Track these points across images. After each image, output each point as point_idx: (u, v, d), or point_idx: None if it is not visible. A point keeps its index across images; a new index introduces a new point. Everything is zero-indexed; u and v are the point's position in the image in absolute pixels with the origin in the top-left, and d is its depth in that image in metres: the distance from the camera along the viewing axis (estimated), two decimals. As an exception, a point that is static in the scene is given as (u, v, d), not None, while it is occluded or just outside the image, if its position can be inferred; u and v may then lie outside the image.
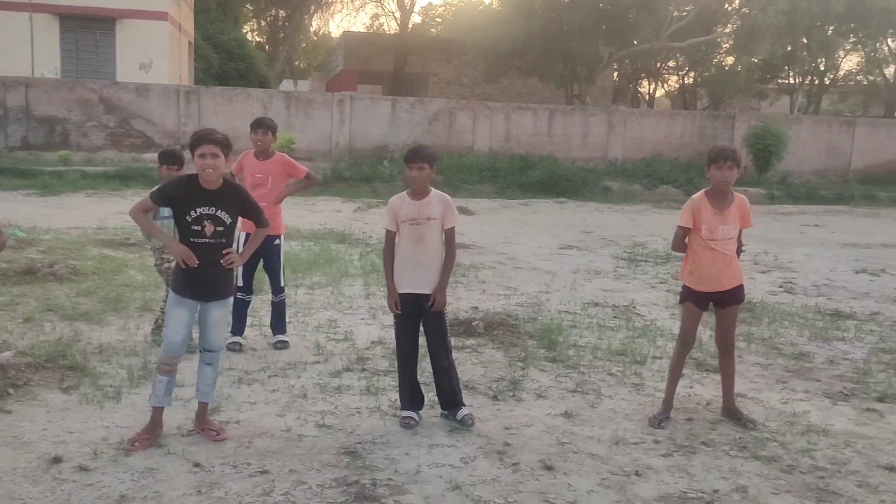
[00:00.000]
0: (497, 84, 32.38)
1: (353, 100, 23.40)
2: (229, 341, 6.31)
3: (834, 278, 10.31)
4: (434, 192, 5.00)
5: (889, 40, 34.77)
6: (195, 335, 5.05)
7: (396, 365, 5.06)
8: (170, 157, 6.35)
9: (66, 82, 22.20)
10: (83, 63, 24.78)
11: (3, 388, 5.08)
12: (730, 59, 34.40)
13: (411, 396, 4.98)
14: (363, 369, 5.88)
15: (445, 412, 5.01)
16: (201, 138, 4.34)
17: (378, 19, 40.78)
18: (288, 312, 7.36)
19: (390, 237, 4.97)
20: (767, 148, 23.01)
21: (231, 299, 4.74)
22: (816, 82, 35.72)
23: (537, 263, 10.42)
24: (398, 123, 23.03)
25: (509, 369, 5.99)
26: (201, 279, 4.46)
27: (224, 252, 4.48)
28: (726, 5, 27.53)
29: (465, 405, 5.01)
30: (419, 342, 5.01)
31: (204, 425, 4.63)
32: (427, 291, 4.90)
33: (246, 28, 52.18)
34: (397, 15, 32.70)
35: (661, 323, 7.58)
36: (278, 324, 6.54)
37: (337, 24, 40.51)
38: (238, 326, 6.43)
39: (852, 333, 7.49)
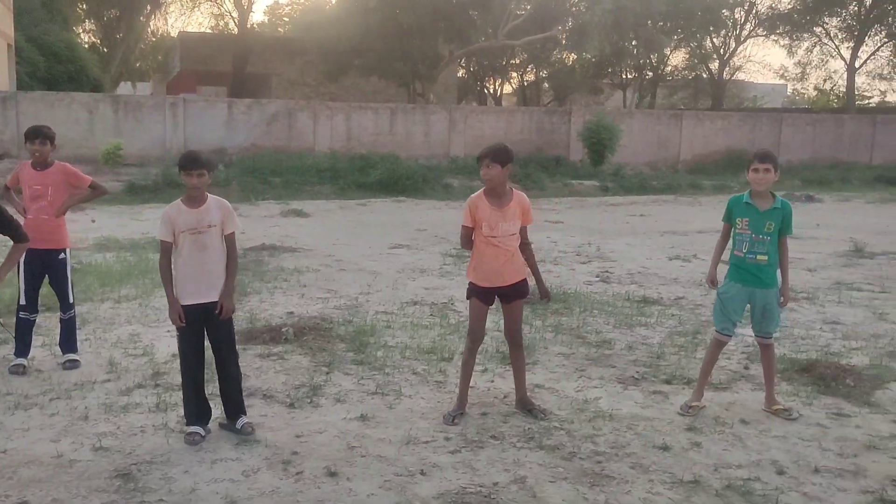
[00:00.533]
0: (341, 84, 32.20)
1: (187, 102, 22.65)
2: (12, 364, 5.93)
3: (649, 266, 10.80)
4: (211, 197, 4.83)
5: (713, 37, 37.04)
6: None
7: (181, 379, 4.87)
8: None
9: None
10: None
11: None
12: (572, 56, 35.68)
13: (198, 410, 4.81)
14: (157, 385, 5.63)
15: (225, 423, 4.86)
16: None
17: (220, 19, 39.63)
18: (88, 328, 7.05)
19: (167, 248, 4.76)
20: (601, 141, 23.94)
21: None
22: (648, 77, 37.52)
23: (364, 264, 10.37)
24: (236, 126, 22.47)
25: (312, 375, 5.88)
26: None
27: None
28: (564, 4, 28.48)
29: (245, 413, 4.91)
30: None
31: None
32: (214, 300, 4.75)
33: (79, 30, 49.60)
34: (235, 14, 31.85)
35: (475, 318, 7.67)
36: (67, 342, 6.16)
37: (171, 23, 38.88)
38: (21, 347, 6.03)
39: (654, 319, 7.83)
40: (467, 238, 5.24)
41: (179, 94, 33.04)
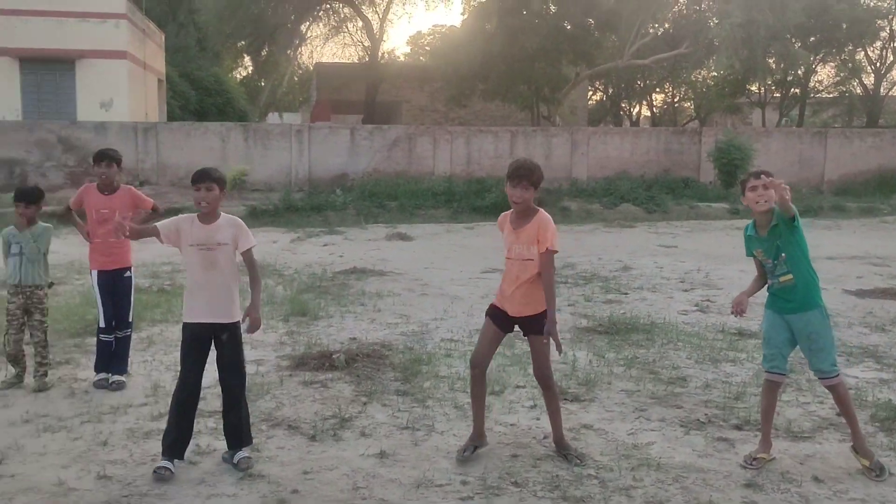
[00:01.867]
0: (469, 108, 32.22)
1: (312, 130, 23.21)
2: (113, 379, 6.02)
3: (757, 295, 9.87)
4: (224, 216, 4.68)
5: (867, 50, 34.55)
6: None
7: (171, 400, 4.66)
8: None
9: (24, 124, 22.09)
10: (44, 104, 24.71)
11: None
12: (706, 75, 34.26)
13: (174, 440, 4.54)
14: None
15: (227, 454, 4.63)
16: None
17: (353, 49, 40.79)
18: (152, 350, 7.09)
19: (156, 231, 4.64)
20: (732, 162, 22.63)
21: None
22: (790, 94, 35.42)
23: (448, 289, 10.04)
24: (358, 151, 22.79)
25: (348, 406, 5.59)
26: None
27: None
28: (694, 20, 27.30)
29: (251, 444, 4.67)
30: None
31: None
32: (222, 321, 4.58)
33: (234, 64, 52.30)
34: (367, 44, 32.56)
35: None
36: (119, 363, 6.18)
37: (308, 56, 40.26)
38: (101, 365, 6.12)
39: (746, 354, 7.07)
40: None
41: (315, 122, 34.09)
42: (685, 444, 4.99)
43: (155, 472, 4.41)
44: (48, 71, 24.60)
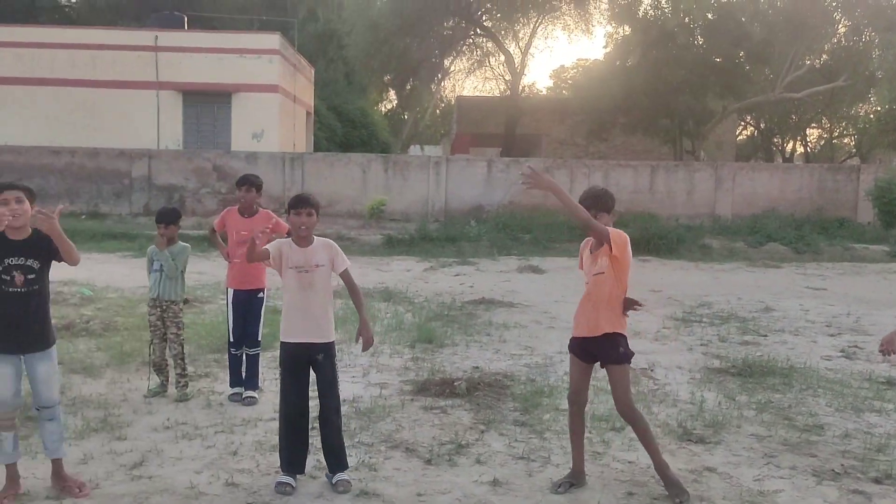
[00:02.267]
0: (610, 142, 31.94)
1: (449, 162, 23.63)
2: (231, 392, 6.37)
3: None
4: (318, 238, 4.88)
5: None
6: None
7: (279, 422, 4.83)
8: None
9: (184, 153, 23.63)
10: (203, 134, 26.35)
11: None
12: (868, 109, 32.51)
13: (290, 458, 4.74)
14: (313, 427, 5.68)
15: (328, 474, 4.74)
16: (2, 186, 4.32)
17: (492, 81, 41.26)
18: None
19: (264, 255, 4.79)
20: (894, 202, 21.32)
21: (54, 351, 4.55)
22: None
23: (577, 323, 9.93)
24: (494, 184, 23.00)
25: (465, 433, 5.63)
26: (16, 328, 4.36)
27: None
28: (855, 51, 25.97)
29: (347, 467, 4.78)
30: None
31: (64, 483, 4.52)
32: (318, 341, 4.74)
33: (380, 98, 54.04)
34: (508, 78, 32.94)
35: (671, 388, 6.98)
36: (250, 379, 6.48)
37: (450, 89, 41.14)
38: (235, 379, 6.48)
39: (893, 405, 6.61)
40: None
41: (456, 155, 34.72)
42: (816, 494, 4.72)
43: (276, 486, 4.60)
44: (207, 103, 26.26)
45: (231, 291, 6.62)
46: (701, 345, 8.79)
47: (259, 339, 6.60)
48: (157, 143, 25.34)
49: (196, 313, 9.88)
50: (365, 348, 4.85)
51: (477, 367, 7.50)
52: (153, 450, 5.18)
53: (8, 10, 35.18)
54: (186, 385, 6.44)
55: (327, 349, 4.78)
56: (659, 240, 18.58)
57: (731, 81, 24.79)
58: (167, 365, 6.51)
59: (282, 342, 4.80)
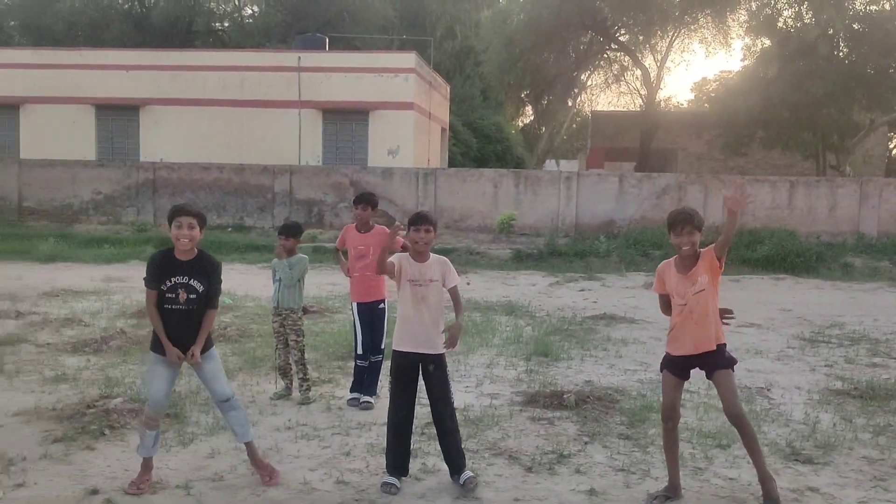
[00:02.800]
0: (749, 157, 30.90)
1: (581, 177, 23.59)
2: (363, 400, 6.70)
3: None
4: (433, 255, 5.14)
5: None
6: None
7: (387, 426, 5.12)
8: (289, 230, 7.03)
9: (323, 168, 24.70)
10: (341, 150, 27.46)
11: (99, 429, 5.85)
12: None
13: (395, 461, 5.02)
14: (423, 433, 5.97)
15: (454, 477, 4.99)
16: (179, 210, 4.79)
17: (627, 96, 40.70)
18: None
19: (391, 269, 5.06)
20: None
21: (214, 351, 5.03)
22: None
23: (697, 341, 9.80)
24: (626, 199, 22.78)
25: (569, 443, 5.77)
26: (178, 339, 4.83)
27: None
28: None
29: (465, 466, 5.01)
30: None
31: (257, 466, 5.01)
32: (429, 352, 4.99)
33: (516, 113, 54.44)
34: (643, 92, 32.49)
35: (785, 407, 6.84)
36: (370, 385, 6.84)
37: (587, 104, 40.80)
38: (356, 386, 6.83)
39: None
40: (665, 305, 5.02)
41: (589, 170, 34.53)
42: (927, 522, 4.58)
43: (382, 486, 4.90)
44: (345, 121, 27.35)
45: (356, 305, 6.99)
46: (825, 365, 8.51)
47: (383, 347, 6.94)
48: (298, 159, 26.60)
49: (326, 322, 10.41)
50: (448, 345, 5.02)
51: (589, 381, 7.59)
52: (273, 447, 5.60)
53: (168, 35, 37.91)
54: (309, 389, 6.87)
55: (438, 360, 5.04)
56: (796, 257, 17.89)
57: (880, 93, 23.52)
58: (291, 370, 6.97)
59: (394, 351, 5.09)
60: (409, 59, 27.60)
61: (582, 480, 5.07)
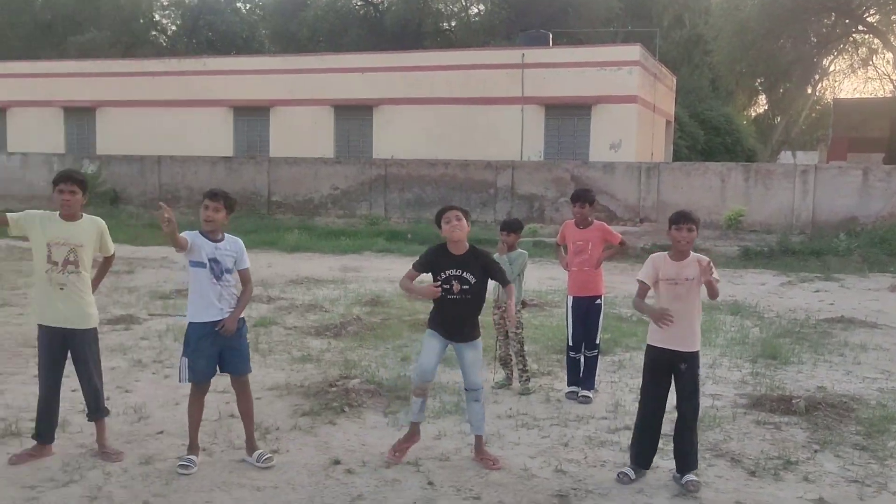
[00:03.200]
0: None
1: (818, 170, 22.09)
2: (581, 393, 6.84)
3: None
4: (692, 253, 5.13)
5: None
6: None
7: (636, 421, 5.16)
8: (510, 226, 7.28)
9: (545, 164, 24.96)
10: (563, 146, 27.53)
11: (340, 407, 6.41)
12: None
13: (637, 453, 5.09)
14: (627, 427, 5.96)
15: (676, 475, 4.97)
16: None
17: (875, 82, 37.40)
18: (622, 372, 7.71)
19: (643, 288, 5.15)
20: None
21: (479, 342, 5.37)
22: None
23: (951, 350, 8.96)
24: (871, 194, 21.05)
25: (797, 450, 5.55)
26: (450, 324, 5.26)
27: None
28: None
29: (696, 468, 4.97)
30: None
31: (481, 456, 5.31)
32: (683, 349, 5.01)
33: (753, 102, 51.84)
34: (894, 77, 29.84)
35: None
36: (587, 380, 6.93)
37: (829, 91, 37.97)
38: (572, 378, 6.97)
39: None
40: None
41: (829, 162, 32.22)
42: None
43: (618, 475, 5.02)
44: (567, 116, 27.37)
45: (571, 298, 7.12)
46: None
47: (597, 342, 7.01)
48: (520, 154, 27.01)
49: (545, 316, 10.61)
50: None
51: (822, 387, 7.21)
52: (496, 434, 5.86)
53: (399, 37, 39.81)
54: (528, 380, 7.08)
55: (692, 359, 5.05)
56: None
57: None
58: (511, 360, 7.21)
59: (648, 345, 5.16)
60: (633, 51, 27.17)
61: (810, 489, 4.88)
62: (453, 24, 45.08)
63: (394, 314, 10.41)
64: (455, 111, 28.02)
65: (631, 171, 23.32)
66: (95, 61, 33.48)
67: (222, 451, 5.43)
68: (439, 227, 5.33)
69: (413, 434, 5.40)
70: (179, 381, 5.24)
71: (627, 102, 26.50)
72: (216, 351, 5.14)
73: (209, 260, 5.10)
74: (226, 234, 5.26)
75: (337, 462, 5.26)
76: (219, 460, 5.25)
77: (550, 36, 30.75)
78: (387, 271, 14.81)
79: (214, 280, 5.11)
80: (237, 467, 5.15)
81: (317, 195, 25.43)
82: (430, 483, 4.95)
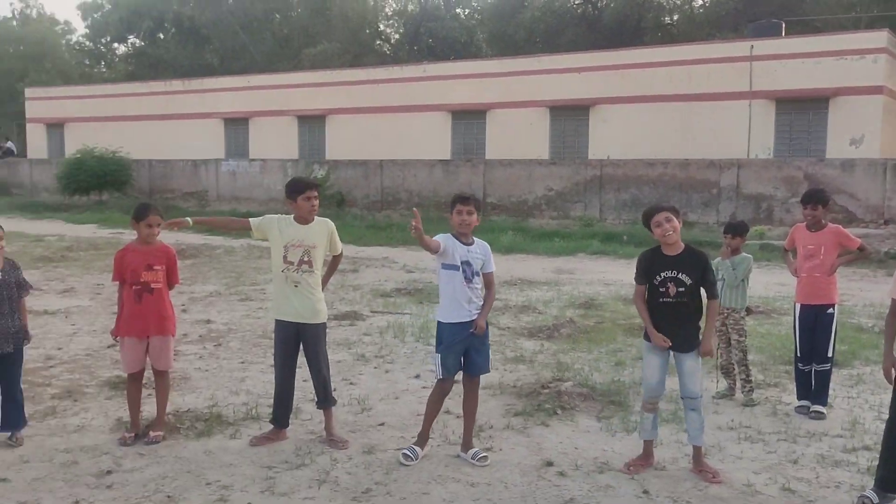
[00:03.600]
0: None
1: None
2: (813, 409, 6.39)
3: None
4: None
5: None
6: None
7: (886, 441, 4.70)
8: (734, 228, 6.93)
9: (774, 161, 23.52)
10: (795, 142, 25.82)
11: (552, 409, 6.39)
12: None
13: (892, 477, 4.62)
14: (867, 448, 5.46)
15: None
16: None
17: None
18: (857, 387, 7.12)
19: None
20: None
21: (696, 353, 5.12)
22: None
23: None
24: None
25: None
26: (667, 330, 5.08)
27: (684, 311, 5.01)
28: None
29: None
30: None
31: (700, 467, 5.11)
32: None
33: None
34: None
35: None
36: (818, 395, 6.44)
37: None
38: (802, 392, 6.54)
39: None
40: None
41: None
42: None
43: (858, 499, 4.66)
44: (801, 110, 25.60)
45: (798, 306, 6.66)
46: None
47: (829, 355, 6.49)
48: (746, 152, 25.64)
49: (772, 324, 10.00)
50: None
51: None
52: (716, 446, 5.59)
53: (617, 34, 39.16)
54: (752, 391, 6.69)
55: None
56: None
57: None
58: (733, 369, 6.84)
59: None
60: (879, 37, 24.92)
61: None
62: (675, 17, 43.64)
63: (608, 317, 10.25)
64: (675, 108, 27.12)
65: (873, 168, 21.43)
66: (326, 71, 35.76)
67: (438, 445, 5.58)
68: (648, 228, 5.17)
69: (647, 454, 5.25)
70: (436, 377, 5.38)
71: (872, 94, 24.39)
72: (463, 349, 5.29)
73: (462, 263, 5.26)
74: (474, 238, 5.40)
75: (549, 464, 5.26)
76: (434, 455, 5.41)
77: (783, 25, 28.96)
78: (601, 274, 14.63)
79: (466, 282, 5.26)
80: (452, 462, 5.28)
81: (531, 196, 25.56)
82: (646, 492, 4.81)
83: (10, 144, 42.54)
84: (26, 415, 5.69)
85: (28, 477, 4.93)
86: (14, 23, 61.18)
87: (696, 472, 5.08)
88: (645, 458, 5.23)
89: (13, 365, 5.54)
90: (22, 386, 5.67)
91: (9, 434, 5.52)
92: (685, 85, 27.01)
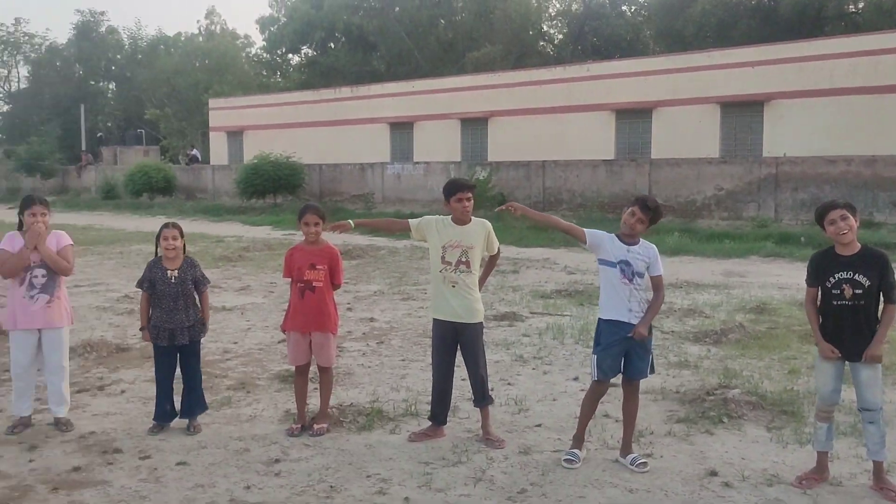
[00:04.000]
0: None
1: None
2: None
3: None
4: None
5: None
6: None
7: None
8: None
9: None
10: None
11: (718, 416, 6.11)
12: None
13: None
14: None
15: None
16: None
17: None
18: None
19: None
20: None
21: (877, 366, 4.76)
22: None
23: None
24: None
25: None
26: (841, 336, 4.77)
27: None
28: None
29: None
30: None
31: (881, 485, 4.76)
32: None
33: None
34: None
35: None
36: None
37: None
38: None
39: None
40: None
41: None
42: None
43: None
44: None
45: None
46: None
47: None
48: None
49: None
50: None
51: None
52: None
53: (795, 25, 37.03)
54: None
55: None
56: None
57: None
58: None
59: None
60: None
61: None
62: (860, 5, 40.75)
63: (781, 323, 9.70)
64: (860, 102, 25.32)
65: None
66: (488, 74, 36.02)
67: (596, 448, 5.48)
68: (821, 227, 4.88)
69: (822, 468, 4.93)
70: (593, 378, 5.32)
71: None
72: (623, 351, 5.20)
73: (619, 262, 5.19)
74: (641, 239, 5.32)
75: (713, 473, 5.03)
76: (592, 458, 5.30)
77: None
78: (776, 277, 13.88)
79: (626, 280, 5.18)
80: (610, 467, 5.16)
81: (699, 196, 24.62)
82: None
83: (195, 152, 45.70)
84: (206, 402, 6.09)
85: (205, 462, 5.26)
86: (200, 38, 65.68)
87: (876, 489, 4.72)
88: (819, 472, 4.90)
89: (191, 356, 5.93)
90: (202, 376, 6.07)
91: (187, 421, 5.91)
92: (871, 77, 25.15)
